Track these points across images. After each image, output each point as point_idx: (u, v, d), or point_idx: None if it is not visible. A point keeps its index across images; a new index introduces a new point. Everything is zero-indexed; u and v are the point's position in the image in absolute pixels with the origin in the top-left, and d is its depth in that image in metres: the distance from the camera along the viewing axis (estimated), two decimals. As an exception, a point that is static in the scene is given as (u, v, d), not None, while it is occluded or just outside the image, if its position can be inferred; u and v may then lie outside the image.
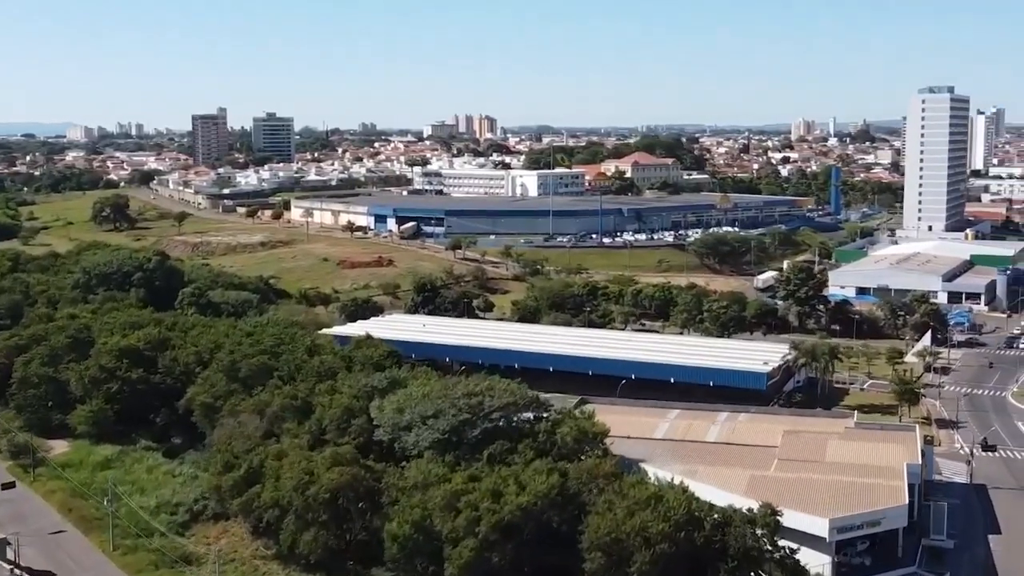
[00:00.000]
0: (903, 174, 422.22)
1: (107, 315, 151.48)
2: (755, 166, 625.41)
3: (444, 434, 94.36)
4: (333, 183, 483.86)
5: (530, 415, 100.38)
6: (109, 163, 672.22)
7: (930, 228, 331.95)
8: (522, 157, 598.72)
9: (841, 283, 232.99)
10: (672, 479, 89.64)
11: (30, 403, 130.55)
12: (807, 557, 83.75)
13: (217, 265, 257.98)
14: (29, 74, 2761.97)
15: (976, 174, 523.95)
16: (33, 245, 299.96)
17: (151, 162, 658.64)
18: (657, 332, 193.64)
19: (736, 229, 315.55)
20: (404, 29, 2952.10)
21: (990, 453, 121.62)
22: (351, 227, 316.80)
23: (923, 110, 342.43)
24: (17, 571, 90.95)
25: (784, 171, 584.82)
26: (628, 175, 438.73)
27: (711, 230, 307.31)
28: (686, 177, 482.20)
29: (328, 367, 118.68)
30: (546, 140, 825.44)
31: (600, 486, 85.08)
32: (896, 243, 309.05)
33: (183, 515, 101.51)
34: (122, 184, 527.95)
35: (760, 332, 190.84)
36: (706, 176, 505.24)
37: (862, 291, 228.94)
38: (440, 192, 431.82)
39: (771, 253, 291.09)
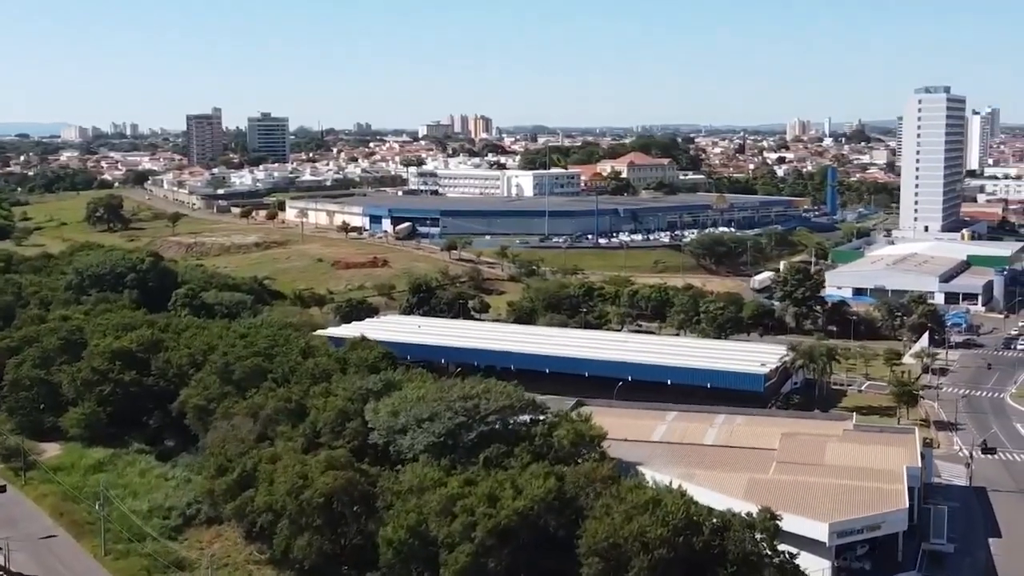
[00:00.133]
0: (899, 174, 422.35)
1: (100, 317, 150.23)
2: (751, 166, 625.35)
3: (440, 437, 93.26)
4: (328, 183, 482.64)
5: (527, 418, 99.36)
6: (103, 163, 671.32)
7: (926, 228, 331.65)
8: (517, 157, 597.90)
9: (838, 284, 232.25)
10: (670, 483, 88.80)
11: (22, 405, 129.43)
12: (806, 562, 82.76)
13: (211, 266, 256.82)
14: (24, 74, 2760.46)
15: (972, 174, 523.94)
16: (26, 246, 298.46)
17: (145, 162, 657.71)
18: (653, 333, 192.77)
19: (732, 229, 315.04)
20: (399, 29, 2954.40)
21: (990, 456, 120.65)
22: (346, 227, 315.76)
23: (919, 110, 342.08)
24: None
25: (780, 171, 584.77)
26: (624, 175, 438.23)
27: (707, 230, 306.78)
28: (682, 177, 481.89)
29: (322, 369, 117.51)
30: (541, 140, 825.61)
31: (597, 490, 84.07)
32: (892, 243, 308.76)
33: (176, 519, 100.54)
34: (116, 184, 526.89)
35: (757, 333, 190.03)
36: (702, 176, 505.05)
37: (859, 292, 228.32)
38: (435, 192, 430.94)
39: (767, 254, 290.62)
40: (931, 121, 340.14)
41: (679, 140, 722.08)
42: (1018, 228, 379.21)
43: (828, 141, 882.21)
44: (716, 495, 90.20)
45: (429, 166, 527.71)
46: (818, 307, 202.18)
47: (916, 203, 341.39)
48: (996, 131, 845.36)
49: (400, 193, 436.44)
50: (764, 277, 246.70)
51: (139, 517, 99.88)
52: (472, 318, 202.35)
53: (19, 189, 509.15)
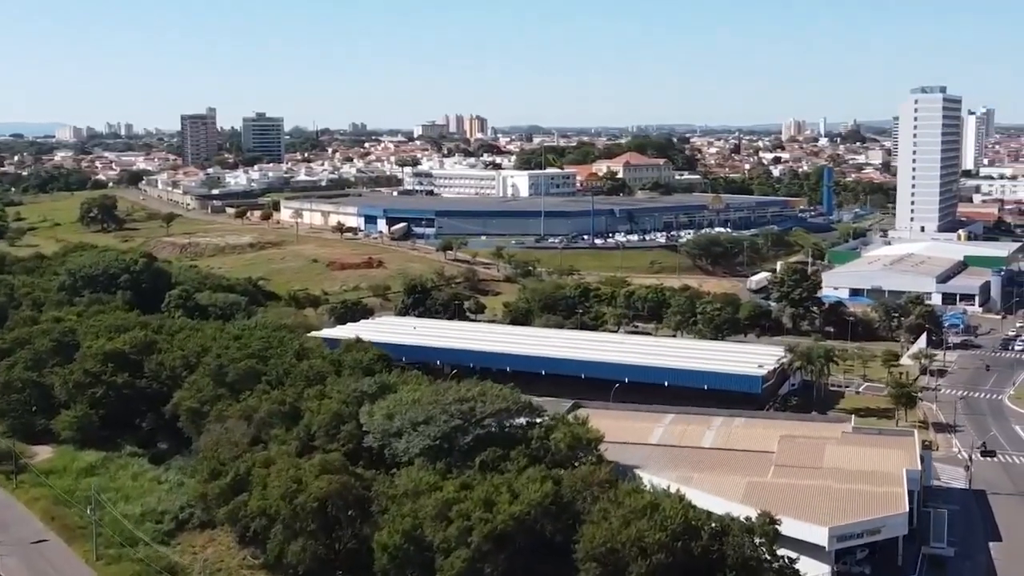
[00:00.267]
0: (894, 174, 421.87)
1: (93, 318, 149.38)
2: (746, 166, 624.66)
3: (435, 441, 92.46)
4: (323, 183, 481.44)
5: (523, 421, 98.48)
6: (98, 163, 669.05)
7: (923, 229, 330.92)
8: (513, 157, 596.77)
9: (834, 284, 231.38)
10: (668, 487, 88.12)
11: (13, 408, 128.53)
12: (806, 566, 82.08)
13: (205, 266, 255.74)
14: (19, 74, 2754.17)
15: (967, 174, 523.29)
16: (19, 246, 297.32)
17: (140, 162, 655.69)
18: (650, 334, 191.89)
19: (728, 230, 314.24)
20: (395, 29, 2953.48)
21: (989, 458, 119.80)
22: (341, 228, 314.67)
23: (916, 110, 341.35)
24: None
25: (776, 171, 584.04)
26: (619, 175, 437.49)
27: (703, 231, 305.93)
28: (678, 177, 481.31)
29: (317, 371, 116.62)
30: (537, 140, 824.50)
31: (595, 494, 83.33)
32: (889, 244, 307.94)
33: (168, 523, 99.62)
34: (110, 184, 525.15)
35: (754, 334, 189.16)
36: (698, 176, 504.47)
37: (855, 292, 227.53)
38: (430, 192, 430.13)
39: (764, 254, 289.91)
40: (927, 121, 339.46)
41: (675, 140, 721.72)
42: (1014, 228, 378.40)
43: (823, 141, 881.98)
44: (714, 499, 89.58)
45: (424, 166, 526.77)
46: (815, 308, 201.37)
47: (912, 203, 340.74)
48: (991, 131, 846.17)
49: (395, 193, 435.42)
50: (761, 278, 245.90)
51: (131, 521, 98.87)
52: (468, 319, 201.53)
53: (13, 189, 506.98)
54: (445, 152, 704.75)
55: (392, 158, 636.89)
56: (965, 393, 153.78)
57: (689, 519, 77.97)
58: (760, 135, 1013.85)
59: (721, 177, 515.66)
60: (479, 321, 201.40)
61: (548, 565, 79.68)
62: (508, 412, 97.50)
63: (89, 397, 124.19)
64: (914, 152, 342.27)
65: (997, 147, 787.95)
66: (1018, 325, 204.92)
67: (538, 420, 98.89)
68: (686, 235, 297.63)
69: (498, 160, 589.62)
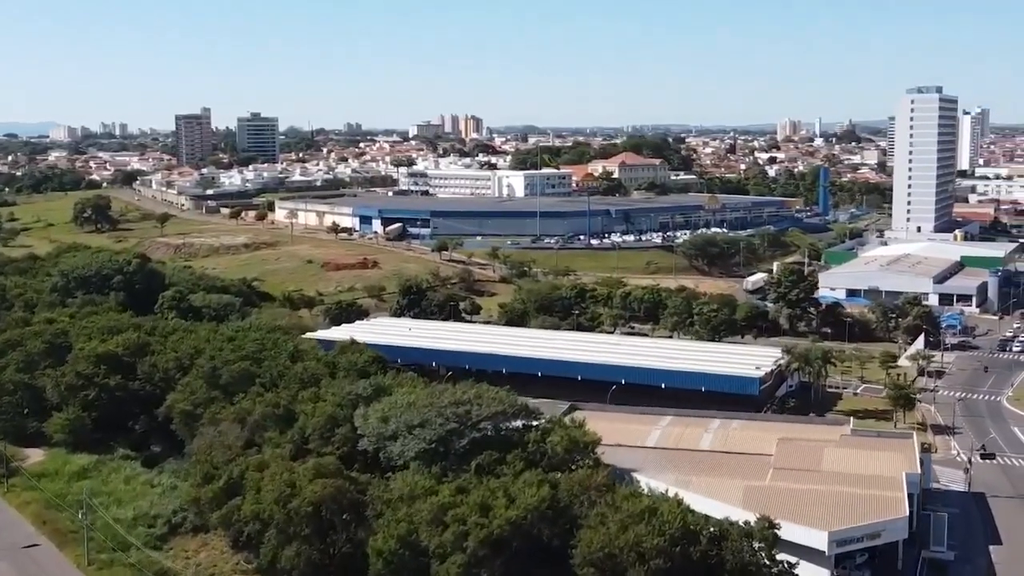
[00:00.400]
0: (890, 174, 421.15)
1: (85, 320, 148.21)
2: (742, 166, 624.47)
3: (431, 444, 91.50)
4: (318, 184, 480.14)
5: (519, 424, 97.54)
6: (92, 163, 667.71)
7: (919, 229, 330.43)
8: (508, 157, 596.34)
9: (831, 285, 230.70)
10: (666, 490, 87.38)
11: (5, 410, 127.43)
12: (805, 571, 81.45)
13: (199, 267, 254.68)
14: (13, 74, 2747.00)
15: (962, 174, 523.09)
16: (12, 247, 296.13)
17: (134, 162, 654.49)
18: (646, 335, 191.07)
19: (725, 230, 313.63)
20: (390, 29, 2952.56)
21: (989, 461, 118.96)
22: (336, 228, 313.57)
23: (912, 110, 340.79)
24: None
25: (771, 171, 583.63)
26: (615, 176, 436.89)
27: (700, 231, 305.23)
28: (673, 178, 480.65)
29: (311, 374, 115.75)
30: (532, 140, 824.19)
31: (592, 498, 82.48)
32: (885, 244, 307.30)
33: (161, 528, 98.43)
34: (104, 185, 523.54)
35: (751, 335, 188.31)
36: (693, 177, 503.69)
37: (852, 293, 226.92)
38: (426, 193, 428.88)
39: (760, 255, 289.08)
40: (924, 121, 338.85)
41: (670, 140, 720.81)
42: (1010, 228, 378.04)
43: (819, 141, 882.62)
44: (713, 503, 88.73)
45: (419, 166, 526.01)
46: (812, 309, 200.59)
47: (909, 203, 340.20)
48: (986, 131, 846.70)
49: (390, 193, 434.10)
50: (757, 278, 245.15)
51: (124, 525, 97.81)
52: (463, 320, 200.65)
53: (6, 189, 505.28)
54: (440, 152, 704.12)
55: (387, 158, 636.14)
56: (963, 395, 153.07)
57: (687, 524, 77.14)
58: (755, 135, 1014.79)
59: (717, 177, 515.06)
60: (475, 322, 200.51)
61: (545, 570, 78.69)
62: (504, 415, 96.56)
63: (81, 399, 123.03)
64: (910, 152, 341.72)
65: (992, 147, 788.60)
66: (1015, 326, 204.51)
67: (535, 423, 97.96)
68: (682, 235, 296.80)
69: (493, 160, 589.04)
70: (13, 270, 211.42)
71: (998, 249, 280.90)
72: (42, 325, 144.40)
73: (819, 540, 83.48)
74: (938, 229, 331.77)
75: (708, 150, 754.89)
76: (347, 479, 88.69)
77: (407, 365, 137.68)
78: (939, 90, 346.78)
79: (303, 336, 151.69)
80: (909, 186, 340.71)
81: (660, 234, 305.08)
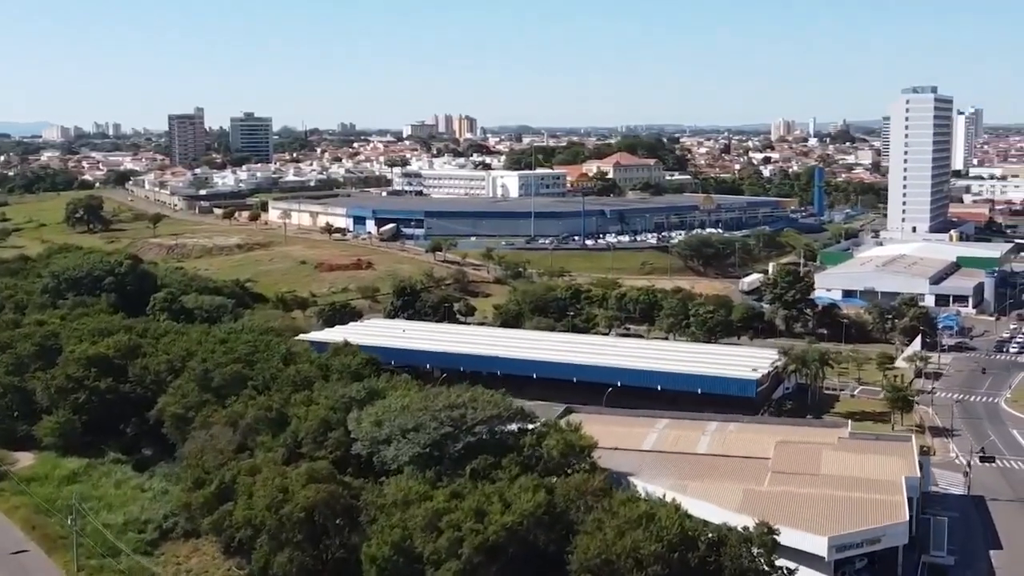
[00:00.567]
0: (884, 174, 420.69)
1: (76, 321, 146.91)
2: (737, 166, 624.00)
3: (425, 448, 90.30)
4: (312, 184, 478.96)
5: (515, 427, 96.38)
6: (84, 163, 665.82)
7: (914, 229, 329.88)
8: (502, 157, 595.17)
9: (827, 285, 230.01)
10: (664, 495, 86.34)
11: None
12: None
13: (192, 268, 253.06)
14: (6, 73, 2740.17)
15: (956, 174, 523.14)
16: (4, 247, 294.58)
17: (127, 162, 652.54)
18: (642, 337, 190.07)
19: (720, 231, 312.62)
20: (384, 29, 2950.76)
21: (988, 464, 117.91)
22: (329, 229, 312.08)
23: (907, 110, 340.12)
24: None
25: (766, 172, 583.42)
26: (610, 176, 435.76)
27: (695, 232, 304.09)
28: (668, 178, 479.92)
29: (304, 376, 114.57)
30: (526, 140, 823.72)
31: (589, 503, 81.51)
32: (881, 244, 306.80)
33: (152, 533, 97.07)
34: (97, 185, 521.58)
35: (747, 336, 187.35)
36: (688, 177, 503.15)
37: (848, 294, 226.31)
38: (420, 193, 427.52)
39: (755, 255, 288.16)
40: (919, 121, 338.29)
41: (664, 140, 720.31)
42: (1005, 229, 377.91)
43: (813, 141, 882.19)
44: (711, 507, 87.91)
45: (413, 166, 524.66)
46: (808, 310, 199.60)
47: (904, 204, 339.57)
48: (980, 131, 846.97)
49: (384, 194, 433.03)
50: (753, 279, 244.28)
51: (114, 530, 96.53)
52: (457, 321, 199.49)
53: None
54: (434, 152, 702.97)
55: (381, 158, 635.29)
56: (961, 396, 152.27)
57: (685, 529, 76.24)
58: (749, 135, 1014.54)
59: (711, 177, 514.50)
60: (469, 323, 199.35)
61: (541, 577, 77.80)
62: (499, 419, 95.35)
63: (72, 402, 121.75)
64: (905, 152, 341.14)
65: (986, 147, 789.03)
66: (1012, 327, 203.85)
67: (530, 427, 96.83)
68: (677, 236, 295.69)
69: (487, 160, 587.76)
70: (4, 271, 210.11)
71: (994, 249, 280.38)
72: (32, 327, 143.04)
73: (819, 546, 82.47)
74: (933, 229, 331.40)
75: (702, 150, 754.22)
76: (340, 484, 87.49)
77: (401, 367, 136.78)
78: (934, 90, 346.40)
79: (296, 338, 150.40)
80: (904, 186, 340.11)
81: (655, 234, 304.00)
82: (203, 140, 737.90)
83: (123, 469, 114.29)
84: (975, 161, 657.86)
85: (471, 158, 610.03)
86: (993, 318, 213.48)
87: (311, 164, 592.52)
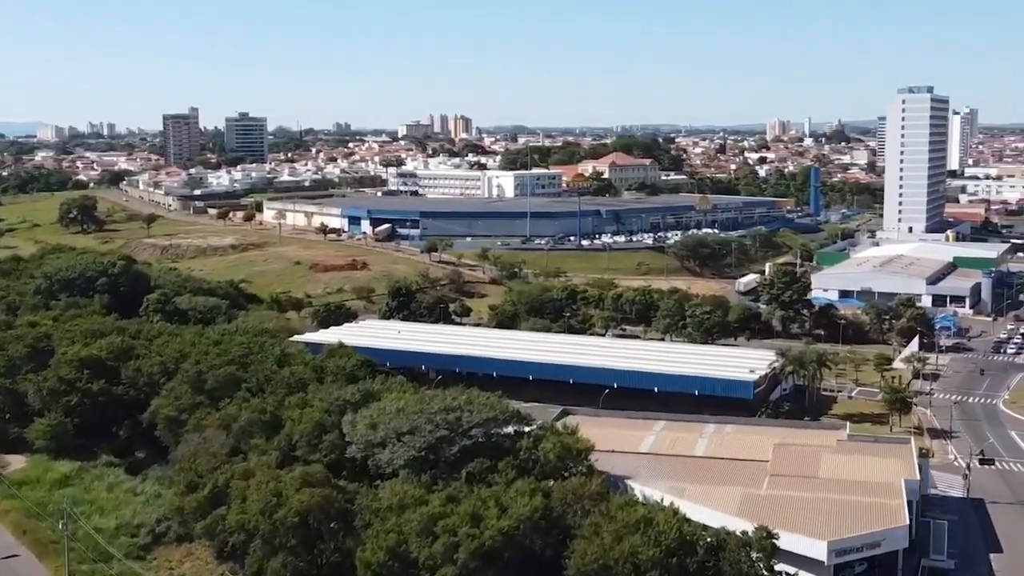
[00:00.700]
0: (880, 174, 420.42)
1: (69, 323, 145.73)
2: (732, 166, 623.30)
3: (420, 452, 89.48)
4: (306, 184, 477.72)
5: (511, 430, 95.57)
6: (79, 163, 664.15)
7: (910, 229, 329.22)
8: (498, 157, 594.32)
9: (824, 286, 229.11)
10: (661, 499, 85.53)
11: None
12: (804, 582, 79.62)
13: (186, 269, 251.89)
14: (1, 73, 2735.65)
15: (952, 175, 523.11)
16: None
17: (122, 162, 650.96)
18: (638, 338, 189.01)
19: (716, 231, 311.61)
20: (380, 29, 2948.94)
21: (987, 466, 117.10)
22: (324, 229, 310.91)
23: (903, 110, 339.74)
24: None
25: (761, 172, 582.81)
26: (605, 176, 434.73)
27: (691, 232, 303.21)
28: (664, 178, 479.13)
29: (299, 378, 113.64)
30: (522, 140, 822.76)
31: (586, 507, 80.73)
32: (877, 244, 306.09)
33: (144, 537, 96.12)
34: (91, 185, 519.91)
35: (743, 337, 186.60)
36: (684, 177, 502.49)
37: (845, 294, 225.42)
38: (415, 193, 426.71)
39: (751, 255, 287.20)
40: (915, 121, 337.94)
41: (660, 140, 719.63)
42: (1001, 229, 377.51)
43: (808, 141, 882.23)
44: (709, 511, 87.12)
45: (409, 166, 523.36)
46: (805, 310, 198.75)
47: (900, 204, 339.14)
48: (974, 131, 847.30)
49: (379, 194, 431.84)
50: (750, 279, 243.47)
51: (107, 534, 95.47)
52: (453, 322, 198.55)
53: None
54: (430, 152, 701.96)
55: (376, 158, 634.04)
56: (959, 398, 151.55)
57: (684, 534, 75.48)
58: (744, 135, 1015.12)
59: (707, 177, 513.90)
60: (465, 324, 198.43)
61: (538, 582, 76.92)
62: (495, 421, 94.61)
63: (64, 405, 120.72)
64: (902, 152, 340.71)
65: (981, 147, 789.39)
66: (1009, 327, 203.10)
67: (526, 429, 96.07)
68: (673, 236, 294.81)
69: (483, 160, 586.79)
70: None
71: (990, 250, 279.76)
72: (24, 328, 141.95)
73: (818, 550, 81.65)
74: (929, 229, 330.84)
75: (698, 150, 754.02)
76: (335, 488, 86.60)
77: (396, 369, 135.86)
78: (930, 90, 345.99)
79: (290, 339, 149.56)
80: (900, 186, 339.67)
81: (651, 235, 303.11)
82: (198, 140, 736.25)
83: (116, 472, 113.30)
84: (970, 161, 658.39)
85: (467, 158, 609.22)
86: (990, 319, 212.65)
87: (306, 164, 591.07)
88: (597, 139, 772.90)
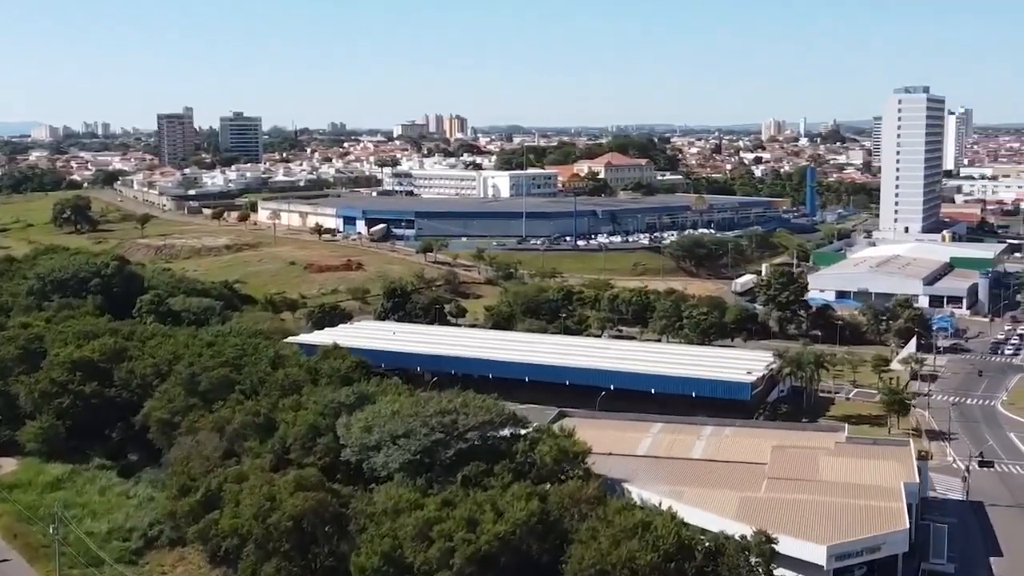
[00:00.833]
0: (876, 174, 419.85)
1: (61, 324, 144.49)
2: (728, 166, 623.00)
3: (415, 455, 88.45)
4: (301, 184, 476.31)
5: (507, 433, 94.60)
6: (73, 163, 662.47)
7: (907, 230, 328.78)
8: (493, 157, 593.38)
9: (820, 286, 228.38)
10: (659, 503, 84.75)
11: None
12: (803, 586, 78.79)
13: (180, 269, 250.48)
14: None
15: (947, 175, 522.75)
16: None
17: (116, 162, 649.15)
18: (635, 339, 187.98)
19: (712, 231, 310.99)
20: (376, 28, 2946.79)
21: (987, 469, 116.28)
22: (319, 229, 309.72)
23: (899, 110, 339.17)
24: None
25: (757, 171, 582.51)
26: (601, 176, 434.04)
27: (687, 232, 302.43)
28: (660, 178, 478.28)
29: (293, 380, 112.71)
30: (517, 140, 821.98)
31: (583, 511, 79.80)
32: (873, 245, 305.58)
33: (137, 541, 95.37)
34: (85, 185, 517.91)
35: (740, 338, 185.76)
36: (680, 177, 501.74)
37: (842, 295, 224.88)
38: (410, 193, 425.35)
39: (748, 255, 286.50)
40: (911, 121, 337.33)
41: (655, 140, 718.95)
42: (997, 229, 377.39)
43: (804, 141, 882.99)
44: (707, 515, 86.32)
45: (404, 166, 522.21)
46: (802, 311, 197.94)
47: (896, 204, 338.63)
48: (969, 131, 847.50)
49: (374, 194, 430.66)
50: (746, 280, 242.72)
51: (98, 539, 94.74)
52: (448, 323, 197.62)
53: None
54: (425, 152, 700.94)
55: (371, 158, 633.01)
56: (957, 399, 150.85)
57: (682, 538, 74.67)
58: (740, 135, 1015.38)
59: (703, 177, 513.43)
60: (460, 325, 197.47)
61: (535, 588, 76.02)
62: (491, 424, 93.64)
63: (56, 407, 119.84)
64: (898, 152, 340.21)
65: (976, 147, 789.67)
66: (1007, 328, 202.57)
67: (523, 432, 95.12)
68: (669, 236, 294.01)
69: (478, 160, 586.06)
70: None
71: (987, 250, 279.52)
72: (17, 330, 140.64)
73: (817, 555, 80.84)
74: (926, 230, 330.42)
75: (693, 150, 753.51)
76: (329, 492, 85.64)
77: (391, 370, 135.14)
78: (926, 90, 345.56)
79: (285, 341, 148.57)
80: (897, 186, 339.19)
81: (647, 235, 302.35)
82: (192, 140, 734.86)
83: (108, 475, 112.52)
84: (965, 161, 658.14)
85: (462, 158, 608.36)
86: (987, 319, 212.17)
87: (301, 164, 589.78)
88: (593, 139, 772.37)
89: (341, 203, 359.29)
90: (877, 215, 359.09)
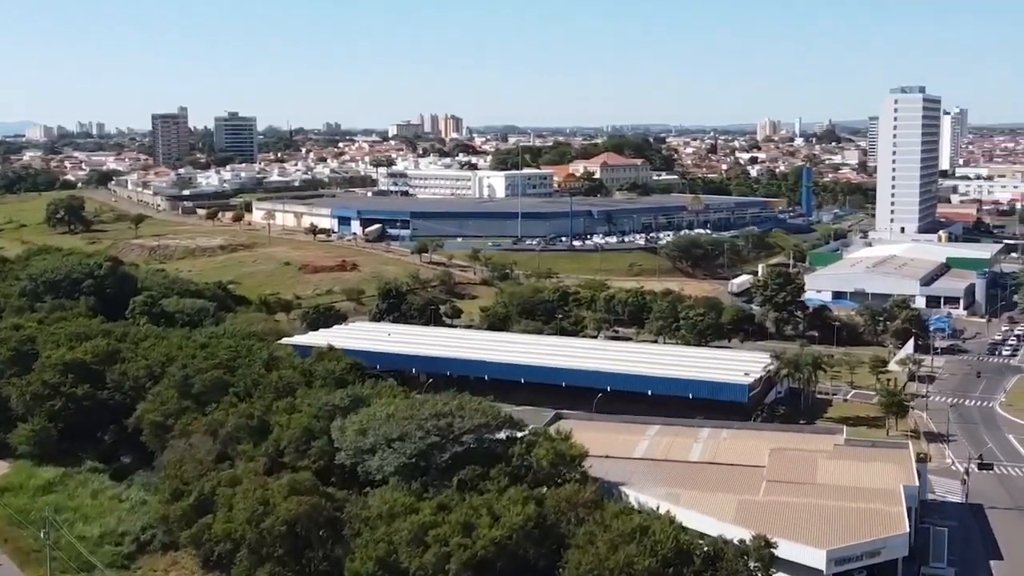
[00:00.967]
0: (871, 174, 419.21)
1: (53, 325, 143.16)
2: (724, 167, 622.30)
3: (411, 458, 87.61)
4: (296, 184, 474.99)
5: (503, 436, 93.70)
6: (67, 163, 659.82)
7: (903, 230, 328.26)
8: (488, 157, 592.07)
9: (817, 287, 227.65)
10: (657, 506, 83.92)
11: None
12: (802, 591, 78.00)
13: (174, 270, 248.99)
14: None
15: (943, 175, 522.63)
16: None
17: (110, 162, 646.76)
18: (631, 340, 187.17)
19: (708, 231, 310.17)
20: (372, 28, 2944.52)
21: (986, 471, 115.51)
22: (314, 230, 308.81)
23: (895, 110, 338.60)
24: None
25: (753, 172, 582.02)
26: (597, 176, 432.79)
27: (683, 232, 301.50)
28: (655, 178, 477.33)
29: (287, 383, 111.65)
30: (512, 140, 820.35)
31: (580, 516, 79.08)
32: (870, 245, 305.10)
33: (129, 545, 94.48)
34: (80, 185, 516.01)
35: (737, 339, 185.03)
36: (675, 177, 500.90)
37: (838, 295, 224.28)
38: (405, 193, 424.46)
39: (744, 256, 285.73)
40: (907, 121, 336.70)
41: (651, 140, 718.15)
42: (993, 229, 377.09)
43: (799, 141, 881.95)
44: (706, 519, 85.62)
45: (399, 166, 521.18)
46: (799, 312, 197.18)
47: (892, 204, 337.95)
48: (965, 131, 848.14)
49: (370, 194, 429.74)
50: (743, 280, 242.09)
51: (90, 543, 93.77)
52: (444, 324, 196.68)
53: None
54: (420, 152, 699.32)
55: (366, 158, 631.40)
56: (956, 400, 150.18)
57: (680, 543, 73.96)
58: (735, 135, 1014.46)
59: (699, 177, 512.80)
60: (456, 326, 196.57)
61: (531, 593, 75.20)
62: (487, 427, 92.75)
63: (48, 409, 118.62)
64: (894, 152, 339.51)
65: (971, 147, 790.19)
66: (1004, 329, 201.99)
67: (519, 435, 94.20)
68: (665, 237, 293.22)
69: (474, 160, 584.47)
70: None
71: (984, 250, 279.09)
72: (8, 331, 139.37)
73: (817, 559, 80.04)
74: (922, 230, 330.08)
75: (689, 150, 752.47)
76: (323, 496, 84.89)
77: (386, 372, 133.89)
78: (922, 90, 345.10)
79: (279, 342, 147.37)
80: (893, 186, 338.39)
81: (643, 235, 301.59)
82: (187, 140, 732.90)
83: (100, 478, 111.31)
84: (961, 161, 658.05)
85: (457, 158, 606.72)
86: (984, 320, 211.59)
87: (296, 164, 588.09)
88: (588, 139, 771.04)
89: (336, 203, 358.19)
90: (873, 215, 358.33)
